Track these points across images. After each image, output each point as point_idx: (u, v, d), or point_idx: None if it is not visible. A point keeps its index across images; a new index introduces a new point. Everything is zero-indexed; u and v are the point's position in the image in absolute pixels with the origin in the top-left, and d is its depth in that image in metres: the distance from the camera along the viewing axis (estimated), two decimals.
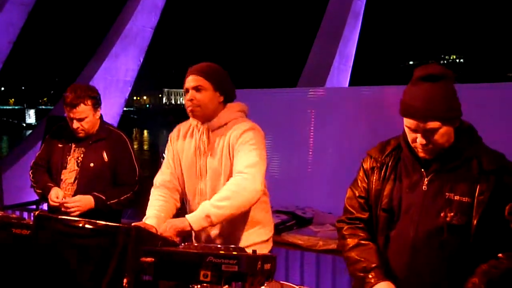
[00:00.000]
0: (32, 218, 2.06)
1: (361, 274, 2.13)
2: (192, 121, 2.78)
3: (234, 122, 2.69)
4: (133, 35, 11.28)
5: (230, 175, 2.64)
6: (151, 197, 2.81)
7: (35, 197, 5.43)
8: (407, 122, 2.05)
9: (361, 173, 2.27)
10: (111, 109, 10.69)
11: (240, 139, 2.62)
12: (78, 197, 3.27)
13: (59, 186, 3.34)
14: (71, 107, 3.26)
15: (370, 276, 2.10)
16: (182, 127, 2.87)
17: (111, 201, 3.30)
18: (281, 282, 2.29)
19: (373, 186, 2.20)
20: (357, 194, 2.26)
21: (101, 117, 3.45)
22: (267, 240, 2.84)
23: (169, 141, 2.90)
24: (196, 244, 1.87)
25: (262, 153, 2.63)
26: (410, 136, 2.07)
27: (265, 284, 1.75)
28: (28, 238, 1.93)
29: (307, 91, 5.44)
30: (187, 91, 2.69)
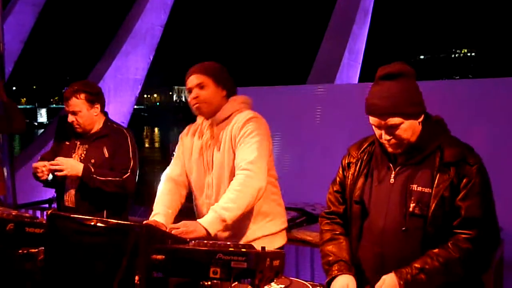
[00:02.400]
0: (44, 217, 2.09)
1: (326, 267, 2.26)
2: (198, 120, 2.84)
3: (237, 114, 2.74)
4: (142, 33, 11.33)
5: (233, 166, 2.68)
6: (159, 191, 2.86)
7: (47, 196, 5.49)
8: (371, 119, 2.16)
9: (340, 169, 2.40)
10: (122, 107, 10.75)
11: (242, 131, 2.66)
12: (65, 159, 3.32)
13: (64, 183, 3.41)
14: (65, 100, 3.37)
15: (333, 268, 2.23)
16: (191, 127, 2.95)
17: (98, 177, 3.30)
18: (291, 278, 2.31)
19: (349, 180, 2.32)
20: (334, 189, 2.40)
21: (106, 114, 3.52)
22: (277, 233, 2.85)
23: (179, 140, 2.97)
24: (205, 241, 1.89)
25: (263, 145, 2.66)
26: (376, 132, 2.18)
27: (275, 281, 1.77)
28: (41, 236, 1.96)
29: (316, 87, 5.44)
30: (190, 90, 2.76)
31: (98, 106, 3.43)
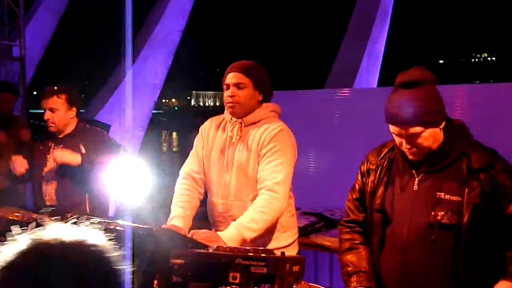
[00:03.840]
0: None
1: (345, 277, 2.24)
2: (226, 116, 2.82)
3: (266, 121, 2.74)
4: (161, 38, 11.39)
5: (253, 171, 2.69)
6: (176, 189, 2.86)
7: None
8: (391, 128, 2.12)
9: (358, 176, 2.36)
10: (141, 112, 10.81)
11: (271, 144, 2.65)
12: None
13: (41, 185, 3.54)
14: (45, 97, 3.50)
15: (352, 279, 2.19)
16: (214, 119, 2.93)
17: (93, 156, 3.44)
18: (310, 284, 2.29)
19: (368, 187, 2.27)
20: (354, 197, 2.35)
21: (78, 117, 3.66)
22: (291, 244, 2.85)
23: (200, 133, 2.93)
24: (225, 246, 1.89)
25: (290, 164, 2.69)
26: (396, 140, 2.14)
27: (294, 286, 1.76)
28: None
29: (334, 92, 5.42)
30: (227, 87, 2.74)
31: (74, 109, 3.59)
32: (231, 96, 2.71)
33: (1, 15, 7.46)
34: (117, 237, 1.75)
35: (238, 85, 2.71)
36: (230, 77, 2.73)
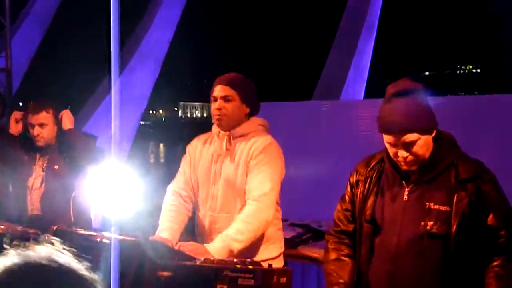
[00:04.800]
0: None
1: (329, 286, 2.26)
2: (214, 130, 2.83)
3: (254, 134, 2.75)
4: (148, 50, 11.39)
5: (241, 183, 2.69)
6: (163, 206, 2.86)
7: None
8: (386, 138, 2.13)
9: (348, 188, 2.37)
10: (128, 123, 10.77)
11: (259, 157, 2.66)
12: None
13: (26, 194, 3.52)
14: (33, 113, 3.50)
15: None
16: (201, 137, 2.93)
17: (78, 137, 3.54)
18: None
19: (358, 198, 2.28)
20: (343, 207, 2.36)
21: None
22: (277, 257, 2.85)
23: (186, 153, 2.94)
24: (212, 259, 1.88)
25: (277, 176, 2.69)
26: (391, 151, 2.14)
27: None
28: None
29: (322, 104, 5.45)
30: (215, 99, 2.74)
31: (60, 122, 3.60)
32: (219, 109, 2.72)
33: None
34: (104, 249, 1.75)
35: (225, 98, 2.72)
36: (218, 90, 2.74)
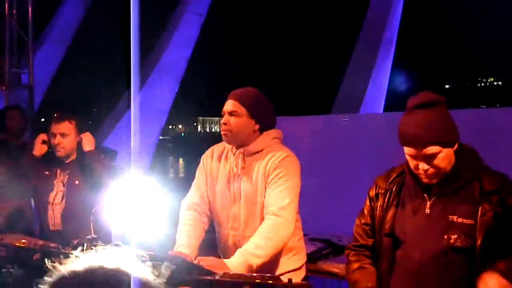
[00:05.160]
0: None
1: None
2: (226, 145, 2.80)
3: (269, 150, 2.71)
4: (168, 66, 11.52)
5: (263, 201, 2.66)
6: (180, 220, 2.84)
7: None
8: (407, 150, 2.10)
9: (367, 201, 2.34)
10: (148, 138, 10.86)
11: (276, 171, 2.63)
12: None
13: (46, 209, 3.54)
14: (56, 122, 3.53)
15: None
16: (215, 148, 2.88)
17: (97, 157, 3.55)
18: None
19: (377, 212, 2.27)
20: (362, 222, 2.34)
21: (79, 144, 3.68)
22: (300, 268, 2.82)
23: (201, 163, 2.90)
24: (232, 273, 1.88)
25: (295, 189, 2.66)
26: (412, 163, 2.12)
27: None
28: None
29: (341, 117, 5.43)
30: (223, 114, 2.74)
31: (81, 135, 3.62)
32: (224, 124, 2.71)
33: (10, 43, 7.57)
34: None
35: (231, 113, 2.70)
36: (227, 105, 2.73)
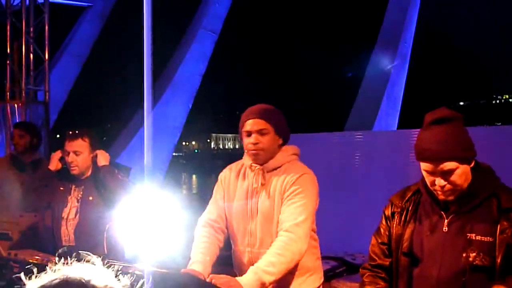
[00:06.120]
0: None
1: None
2: (245, 162, 2.79)
3: (288, 166, 2.70)
4: (182, 82, 11.59)
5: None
6: (195, 237, 2.82)
7: None
8: (424, 166, 2.08)
9: (383, 220, 2.31)
10: (161, 155, 10.90)
11: (293, 187, 2.62)
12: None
13: (60, 224, 3.55)
14: (69, 140, 3.54)
15: None
16: (233, 167, 2.88)
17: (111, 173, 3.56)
18: None
19: (394, 231, 2.24)
20: (379, 241, 2.30)
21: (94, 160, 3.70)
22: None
23: (219, 180, 2.90)
24: None
25: (311, 206, 2.64)
26: (428, 179, 2.10)
27: None
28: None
29: (355, 134, 5.41)
30: (249, 134, 2.71)
31: (95, 152, 3.62)
32: (255, 144, 2.67)
33: (27, 60, 7.66)
34: (136, 281, 1.74)
35: (260, 132, 2.67)
36: (251, 124, 2.69)
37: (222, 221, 2.84)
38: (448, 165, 2.02)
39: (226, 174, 2.87)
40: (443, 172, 2.03)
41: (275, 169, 2.70)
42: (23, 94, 7.68)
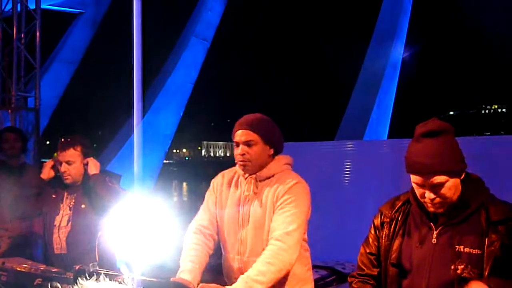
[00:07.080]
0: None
1: None
2: (238, 170, 2.78)
3: (280, 175, 2.69)
4: (173, 90, 11.59)
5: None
6: (185, 244, 2.80)
7: None
8: (414, 178, 2.08)
9: (372, 230, 2.30)
10: (152, 162, 10.86)
11: (285, 196, 2.61)
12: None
13: (52, 232, 3.52)
14: (61, 150, 3.52)
15: None
16: (226, 174, 2.86)
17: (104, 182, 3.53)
18: None
19: (383, 241, 2.23)
20: (367, 251, 2.29)
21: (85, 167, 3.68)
22: None
23: (211, 188, 2.88)
24: None
25: (302, 216, 2.63)
26: (418, 191, 2.09)
27: None
28: None
29: (345, 143, 5.43)
30: (237, 145, 2.71)
31: (87, 160, 3.61)
32: (242, 155, 2.66)
33: (18, 67, 7.63)
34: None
35: (247, 143, 2.66)
36: (239, 135, 2.68)
37: (213, 227, 2.82)
38: (438, 178, 2.02)
39: (219, 181, 2.86)
40: (433, 185, 2.03)
41: (268, 178, 2.70)
42: (13, 101, 7.64)
